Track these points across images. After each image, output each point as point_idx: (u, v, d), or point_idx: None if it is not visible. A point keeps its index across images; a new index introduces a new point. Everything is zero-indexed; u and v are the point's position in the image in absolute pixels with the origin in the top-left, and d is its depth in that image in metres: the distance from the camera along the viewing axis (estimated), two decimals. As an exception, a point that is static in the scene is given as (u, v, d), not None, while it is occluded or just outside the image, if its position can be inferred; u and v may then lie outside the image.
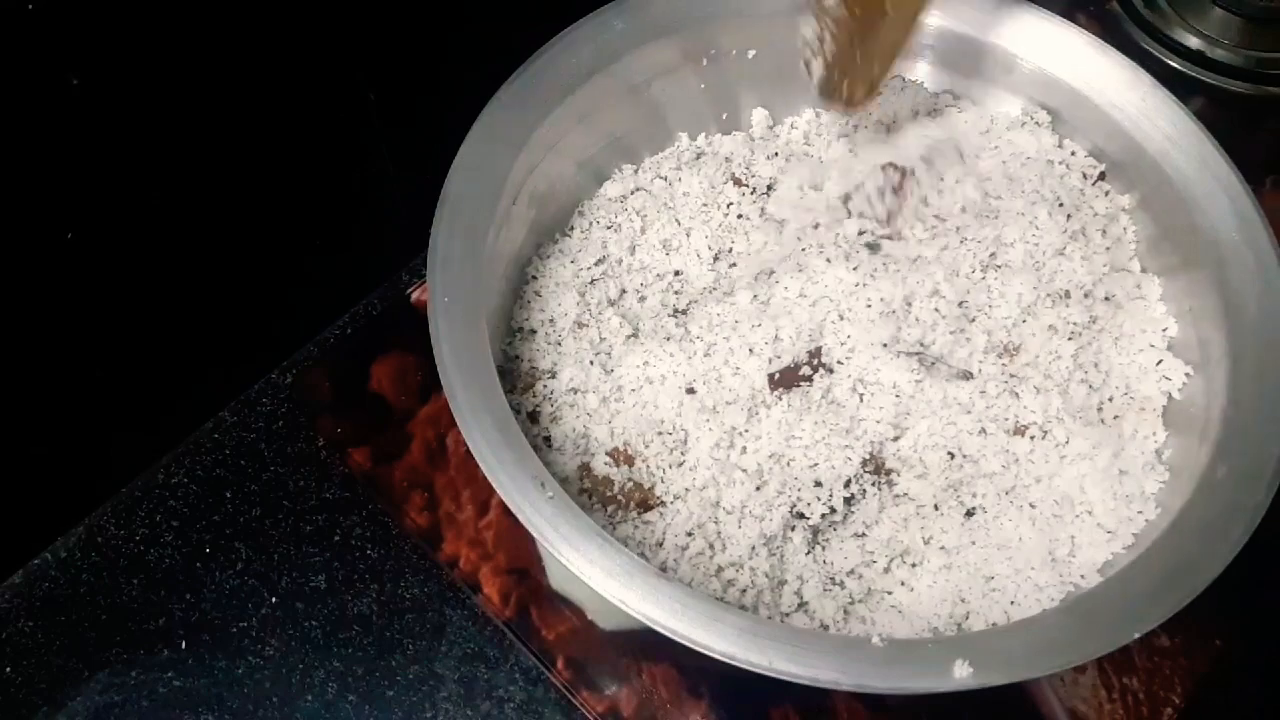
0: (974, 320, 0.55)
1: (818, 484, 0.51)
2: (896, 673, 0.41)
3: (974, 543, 0.51)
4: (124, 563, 0.58)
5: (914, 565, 0.52)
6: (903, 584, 0.51)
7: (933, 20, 0.60)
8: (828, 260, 0.56)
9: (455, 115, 0.53)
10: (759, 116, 0.65)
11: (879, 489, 0.52)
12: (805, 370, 0.54)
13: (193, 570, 0.57)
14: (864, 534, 0.52)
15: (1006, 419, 0.53)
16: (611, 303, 0.58)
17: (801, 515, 0.51)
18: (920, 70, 0.63)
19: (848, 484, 0.51)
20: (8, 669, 0.55)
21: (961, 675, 0.41)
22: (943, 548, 0.51)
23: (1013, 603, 0.50)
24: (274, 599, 0.57)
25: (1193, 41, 0.77)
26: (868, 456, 0.52)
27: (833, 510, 0.51)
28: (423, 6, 0.60)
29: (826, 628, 0.50)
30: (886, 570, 0.51)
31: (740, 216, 0.60)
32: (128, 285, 0.55)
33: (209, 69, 0.52)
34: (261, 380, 0.64)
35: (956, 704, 0.42)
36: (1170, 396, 0.55)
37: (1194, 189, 0.55)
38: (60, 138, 0.47)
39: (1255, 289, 0.52)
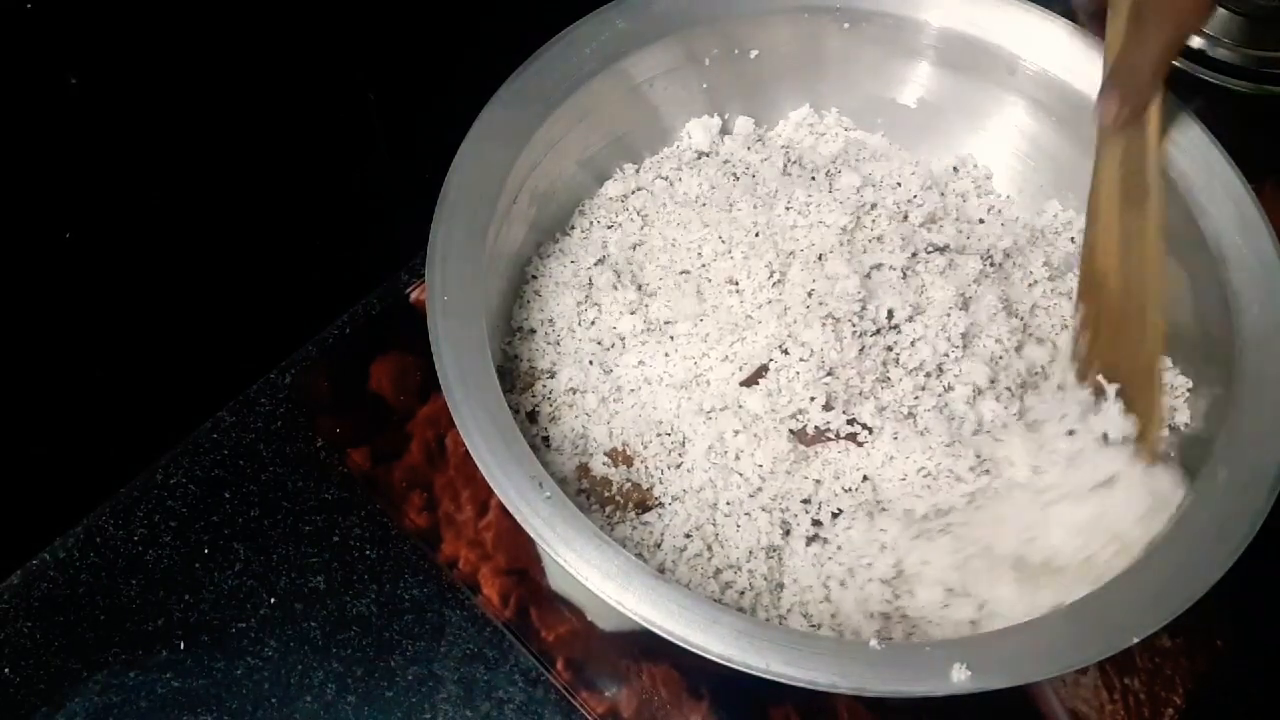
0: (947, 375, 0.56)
1: (805, 501, 0.51)
2: (894, 676, 0.41)
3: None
4: (122, 563, 0.57)
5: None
6: None
7: (933, 20, 0.60)
8: (821, 261, 0.56)
9: (456, 114, 0.53)
10: (760, 116, 0.65)
11: (866, 516, 0.52)
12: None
13: (191, 571, 0.57)
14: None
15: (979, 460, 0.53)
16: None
17: (788, 530, 0.51)
18: (921, 70, 0.63)
19: (833, 504, 0.52)
20: (6, 670, 0.54)
21: (960, 679, 0.41)
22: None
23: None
24: (273, 599, 0.57)
25: (1194, 40, 0.77)
26: (852, 486, 0.52)
27: (818, 524, 0.51)
28: (423, 5, 0.60)
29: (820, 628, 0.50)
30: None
31: (739, 218, 0.60)
32: (126, 285, 0.55)
33: (208, 69, 0.52)
34: (260, 380, 0.64)
35: (957, 704, 0.42)
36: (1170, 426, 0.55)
37: (1196, 191, 0.54)
38: (59, 137, 0.47)
39: (1257, 290, 0.52)
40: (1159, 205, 0.51)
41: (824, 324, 0.53)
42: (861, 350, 0.54)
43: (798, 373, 0.53)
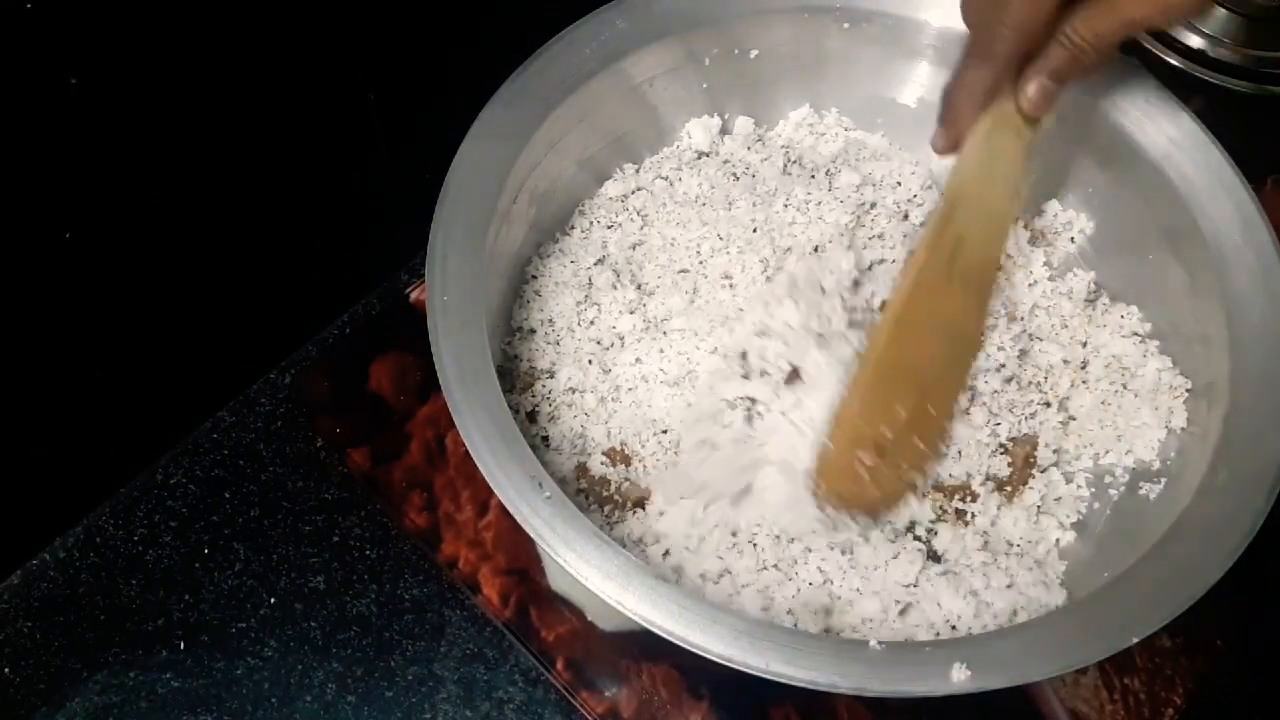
0: None
1: None
2: (895, 676, 0.41)
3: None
4: (122, 563, 0.57)
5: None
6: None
7: (933, 20, 0.60)
8: (818, 253, 0.56)
9: (455, 114, 0.53)
10: (760, 116, 0.65)
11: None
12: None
13: (191, 571, 0.57)
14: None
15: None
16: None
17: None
18: (921, 70, 0.63)
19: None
20: (6, 669, 0.54)
21: (959, 679, 0.41)
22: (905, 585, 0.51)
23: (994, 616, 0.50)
24: (273, 599, 0.57)
25: (1194, 40, 0.77)
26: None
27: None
28: (423, 5, 0.60)
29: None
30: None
31: (738, 216, 0.60)
32: (126, 285, 0.55)
33: (208, 69, 0.52)
34: (260, 380, 0.64)
35: (957, 704, 0.42)
36: (1169, 429, 0.55)
37: (1196, 191, 0.54)
38: (59, 137, 0.47)
39: (1257, 291, 0.52)
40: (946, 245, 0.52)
41: (809, 300, 0.53)
42: (850, 324, 0.53)
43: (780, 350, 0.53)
